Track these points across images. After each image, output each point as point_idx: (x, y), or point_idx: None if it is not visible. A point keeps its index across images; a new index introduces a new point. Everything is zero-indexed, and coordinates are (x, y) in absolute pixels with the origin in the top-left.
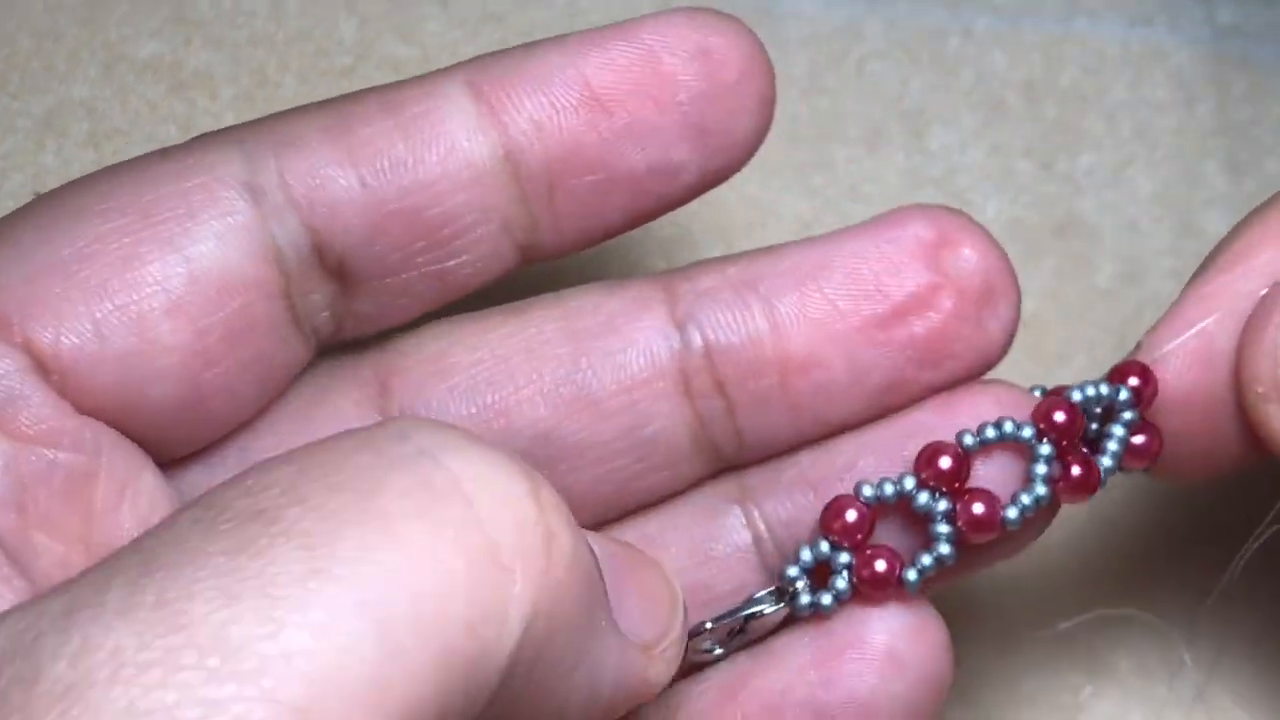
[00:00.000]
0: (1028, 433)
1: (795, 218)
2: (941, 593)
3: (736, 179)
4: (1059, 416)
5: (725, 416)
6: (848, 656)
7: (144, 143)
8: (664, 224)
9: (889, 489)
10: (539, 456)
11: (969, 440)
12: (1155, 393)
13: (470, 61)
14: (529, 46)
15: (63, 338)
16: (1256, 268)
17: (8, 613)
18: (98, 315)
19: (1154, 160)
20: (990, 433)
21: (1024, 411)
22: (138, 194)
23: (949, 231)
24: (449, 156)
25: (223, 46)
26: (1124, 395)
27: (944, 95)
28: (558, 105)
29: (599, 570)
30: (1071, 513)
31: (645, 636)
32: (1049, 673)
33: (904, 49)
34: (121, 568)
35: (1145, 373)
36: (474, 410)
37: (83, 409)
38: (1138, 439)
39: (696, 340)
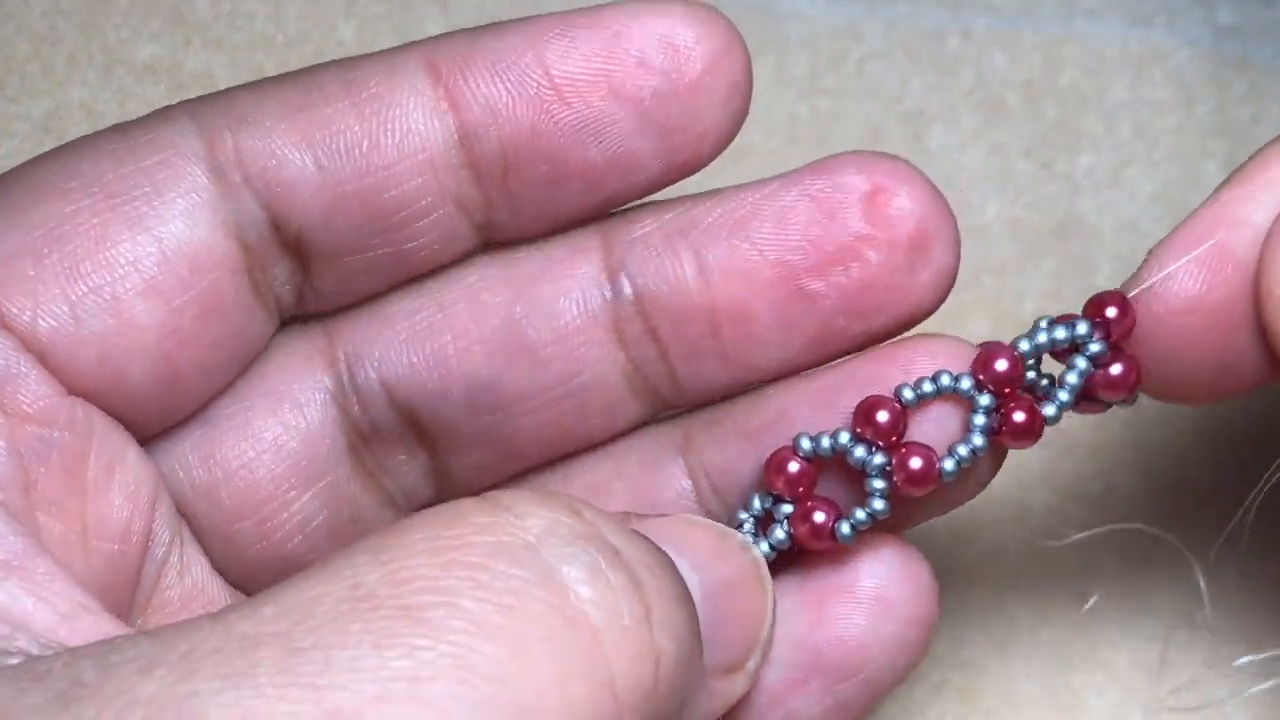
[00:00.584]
0: (966, 384)
1: None
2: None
3: (737, 180)
4: (1000, 365)
5: (659, 362)
6: (837, 600)
7: None
8: None
9: (825, 443)
10: (480, 404)
11: (908, 394)
12: (1133, 323)
13: (433, 40)
14: (495, 27)
15: (40, 320)
16: (1277, 181)
17: (121, 641)
18: (73, 297)
19: (1154, 160)
20: (927, 386)
21: (965, 362)
22: (99, 171)
23: (883, 179)
24: (405, 140)
25: (222, 48)
26: (1083, 329)
27: (944, 96)
28: (515, 92)
29: (699, 646)
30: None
31: (734, 658)
32: (1059, 583)
33: (904, 49)
34: (267, 638)
35: (1123, 303)
36: (415, 360)
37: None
38: (1115, 369)
39: (626, 289)
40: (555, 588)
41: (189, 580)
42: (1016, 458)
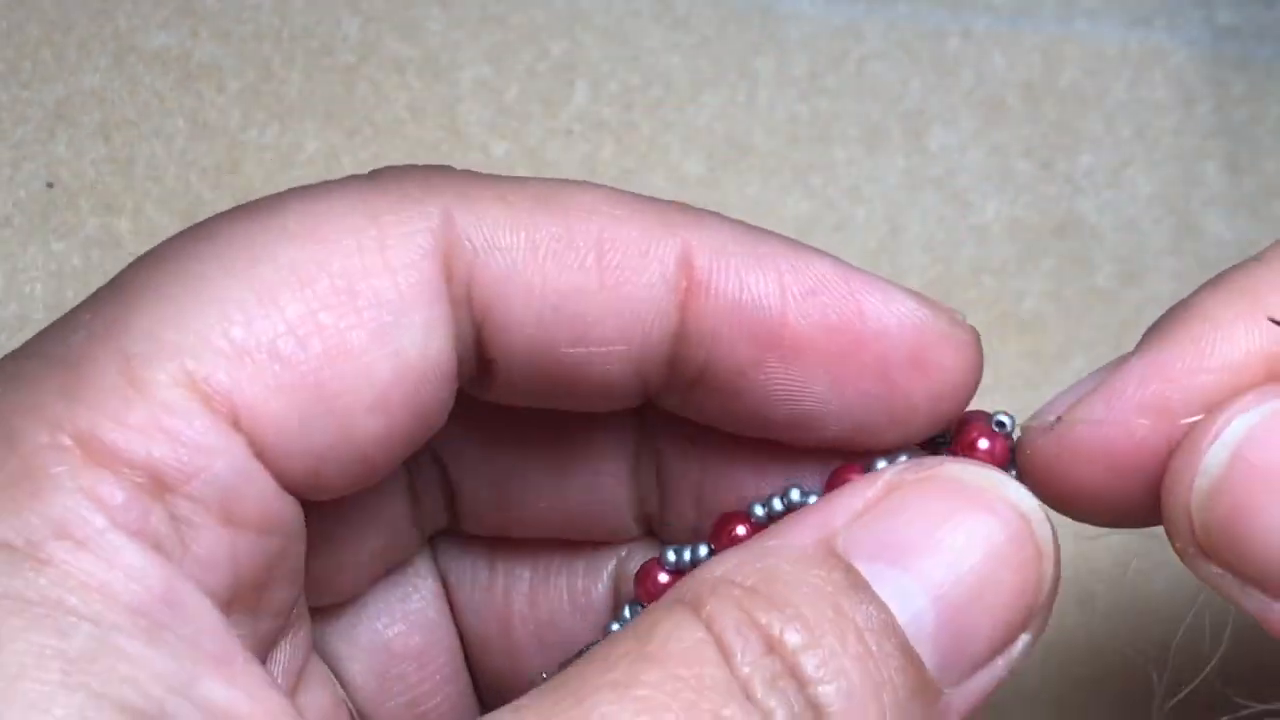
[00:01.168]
0: (814, 500)
1: (795, 218)
2: None
3: (737, 180)
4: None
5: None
6: None
7: (153, 135)
8: None
9: (686, 556)
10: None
11: (759, 511)
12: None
13: (697, 218)
14: (756, 233)
15: (269, 426)
16: (1202, 362)
17: None
18: (305, 407)
19: (1154, 160)
20: (777, 504)
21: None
22: (348, 268)
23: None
24: (627, 323)
25: (229, 40)
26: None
27: (944, 96)
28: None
29: (920, 694)
30: None
31: (993, 646)
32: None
33: (904, 50)
34: None
35: (991, 435)
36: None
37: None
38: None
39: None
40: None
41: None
42: None
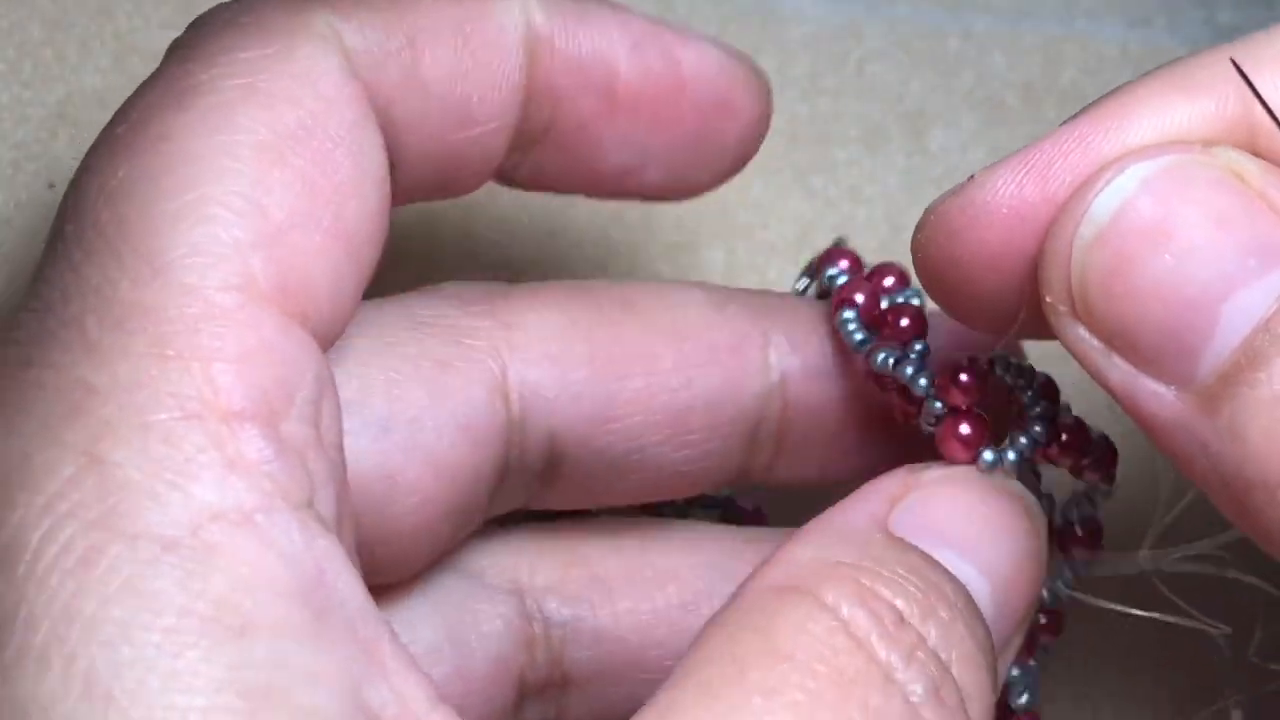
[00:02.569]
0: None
1: (796, 219)
2: None
3: (737, 180)
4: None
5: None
6: None
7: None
8: (667, 228)
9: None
10: (625, 466)
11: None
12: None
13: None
14: None
15: (325, 304)
16: (1116, 130)
17: None
18: (337, 265)
19: None
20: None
21: None
22: (288, 115)
23: None
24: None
25: None
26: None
27: (944, 96)
28: None
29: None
30: None
31: (1021, 622)
32: None
33: (904, 50)
34: None
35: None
36: (588, 412)
37: None
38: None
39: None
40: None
41: None
42: None
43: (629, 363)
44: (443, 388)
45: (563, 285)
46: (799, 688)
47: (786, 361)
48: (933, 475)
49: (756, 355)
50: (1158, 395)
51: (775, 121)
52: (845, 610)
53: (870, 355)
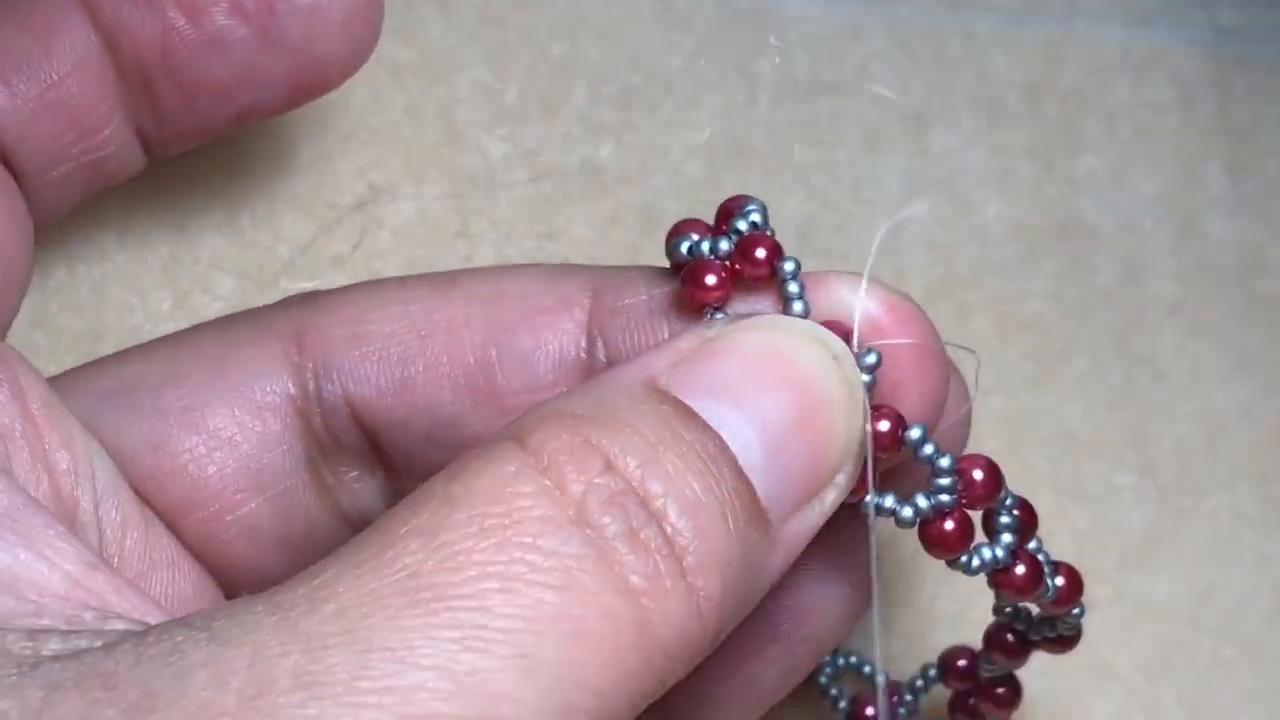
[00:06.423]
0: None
1: (795, 218)
2: None
3: (737, 180)
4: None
5: None
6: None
7: None
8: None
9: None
10: (439, 439)
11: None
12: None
13: None
14: None
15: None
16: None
17: (177, 635)
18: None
19: (1155, 161)
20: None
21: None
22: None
23: None
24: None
25: None
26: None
27: (945, 97)
28: (142, 7)
29: (757, 527)
30: None
31: (816, 485)
32: None
33: (905, 50)
34: (333, 638)
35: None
36: (383, 383)
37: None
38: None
39: (601, 354)
40: (604, 563)
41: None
42: (1022, 457)
43: (432, 328)
44: (226, 362)
45: (400, 277)
46: (457, 528)
47: (607, 321)
48: (717, 330)
49: (578, 316)
50: None
51: (775, 121)
52: (546, 457)
53: (671, 246)
